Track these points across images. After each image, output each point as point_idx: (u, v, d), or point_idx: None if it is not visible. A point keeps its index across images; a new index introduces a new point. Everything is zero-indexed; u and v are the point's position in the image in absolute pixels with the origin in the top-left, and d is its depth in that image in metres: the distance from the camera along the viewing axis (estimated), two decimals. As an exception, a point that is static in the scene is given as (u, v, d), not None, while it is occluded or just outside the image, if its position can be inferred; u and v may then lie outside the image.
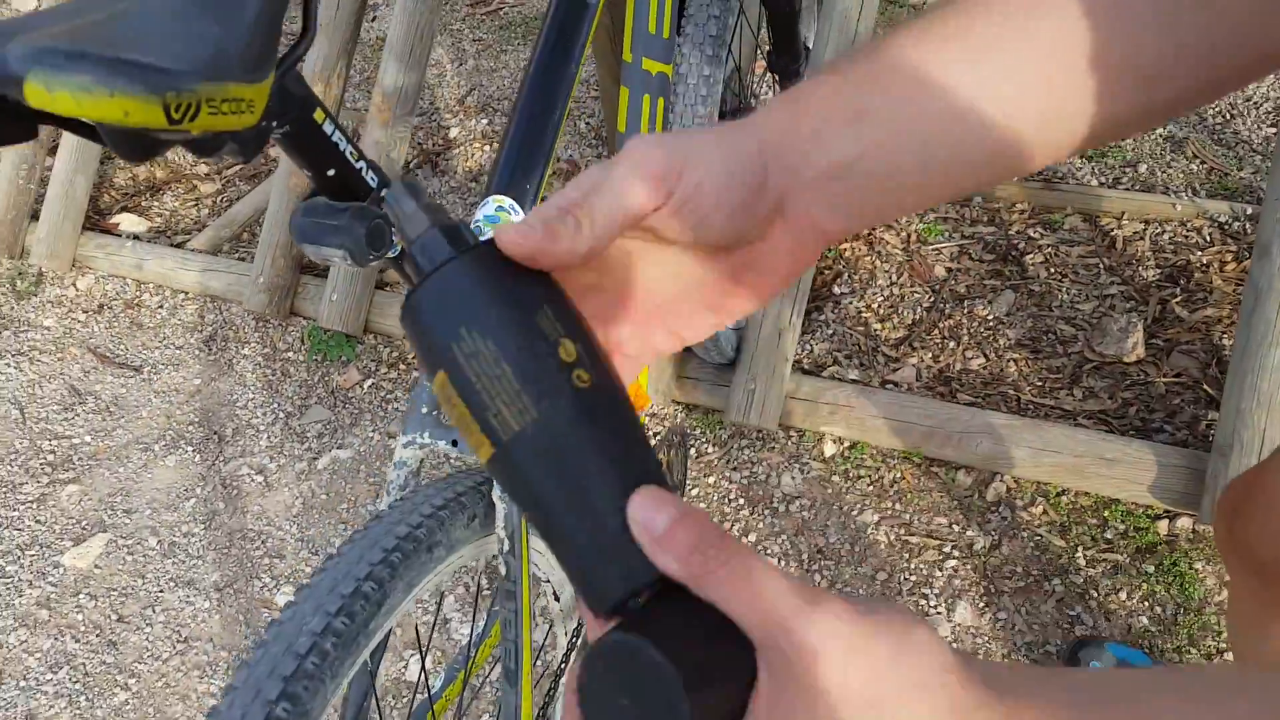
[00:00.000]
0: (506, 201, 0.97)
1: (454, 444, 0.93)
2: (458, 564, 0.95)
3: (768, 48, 1.50)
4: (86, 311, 2.30)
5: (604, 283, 0.41)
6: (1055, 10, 0.38)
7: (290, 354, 2.09)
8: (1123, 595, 1.48)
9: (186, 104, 0.57)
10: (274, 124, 0.69)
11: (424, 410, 0.94)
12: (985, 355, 1.75)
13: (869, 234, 1.94)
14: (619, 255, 0.41)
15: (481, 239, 0.37)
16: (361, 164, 0.77)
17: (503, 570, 0.95)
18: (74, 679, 1.68)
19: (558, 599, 1.17)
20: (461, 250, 0.36)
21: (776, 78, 1.53)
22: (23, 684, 1.68)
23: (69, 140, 2.32)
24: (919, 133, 0.39)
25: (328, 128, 0.73)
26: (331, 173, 0.74)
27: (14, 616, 1.78)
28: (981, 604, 1.51)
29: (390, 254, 0.79)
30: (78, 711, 1.63)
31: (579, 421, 0.35)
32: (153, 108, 0.55)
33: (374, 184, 0.78)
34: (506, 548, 0.94)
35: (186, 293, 2.26)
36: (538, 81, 1.01)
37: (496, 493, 0.93)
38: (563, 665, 1.17)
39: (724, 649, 0.33)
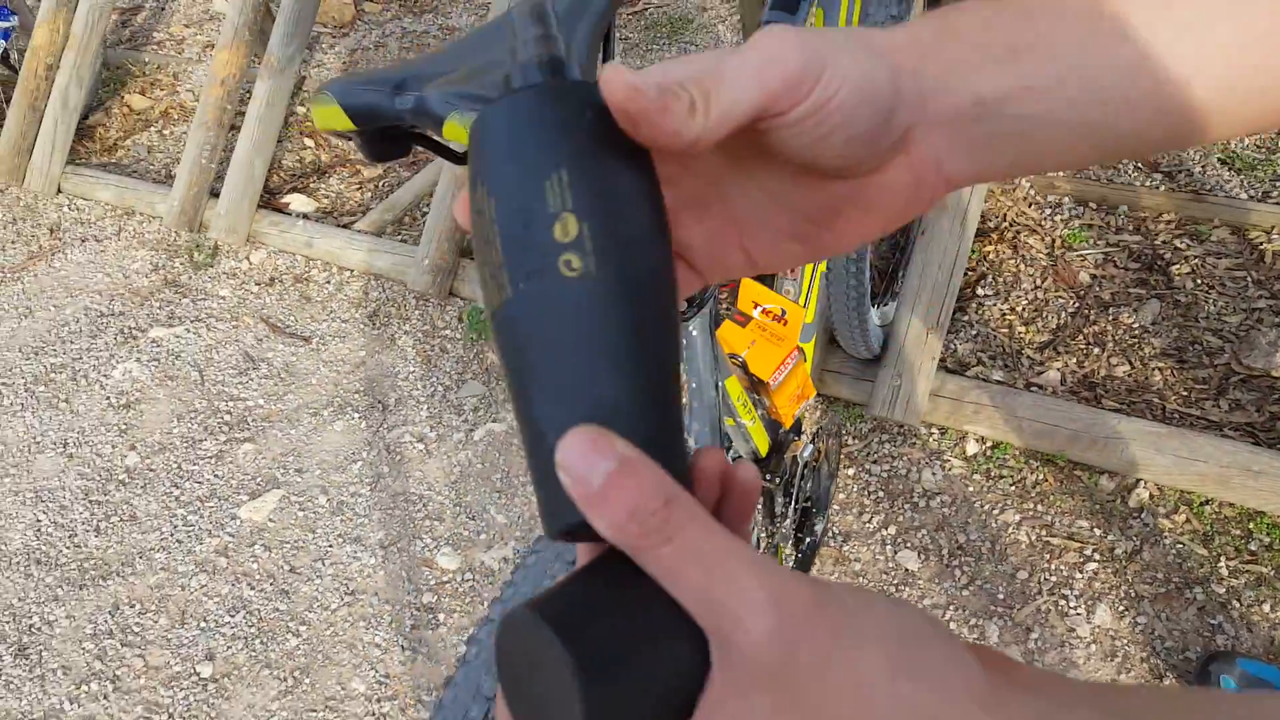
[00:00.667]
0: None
1: None
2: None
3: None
4: (259, 284, 2.48)
5: (685, 177, 0.36)
6: None
7: (448, 332, 2.23)
8: (1266, 607, 1.50)
9: None
10: None
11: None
12: (1130, 363, 1.77)
13: (1013, 236, 1.97)
14: (712, 151, 0.35)
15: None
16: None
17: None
18: (249, 623, 1.83)
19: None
20: (544, 84, 0.32)
21: None
22: (203, 625, 1.85)
23: (251, 124, 2.51)
24: (1082, 81, 0.35)
25: None
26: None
27: (194, 563, 1.95)
28: (1121, 608, 1.54)
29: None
30: (252, 653, 1.79)
31: (547, 317, 0.30)
32: None
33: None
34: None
35: (353, 270, 2.42)
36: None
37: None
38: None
39: (660, 635, 0.28)
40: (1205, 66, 0.34)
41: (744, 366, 1.20)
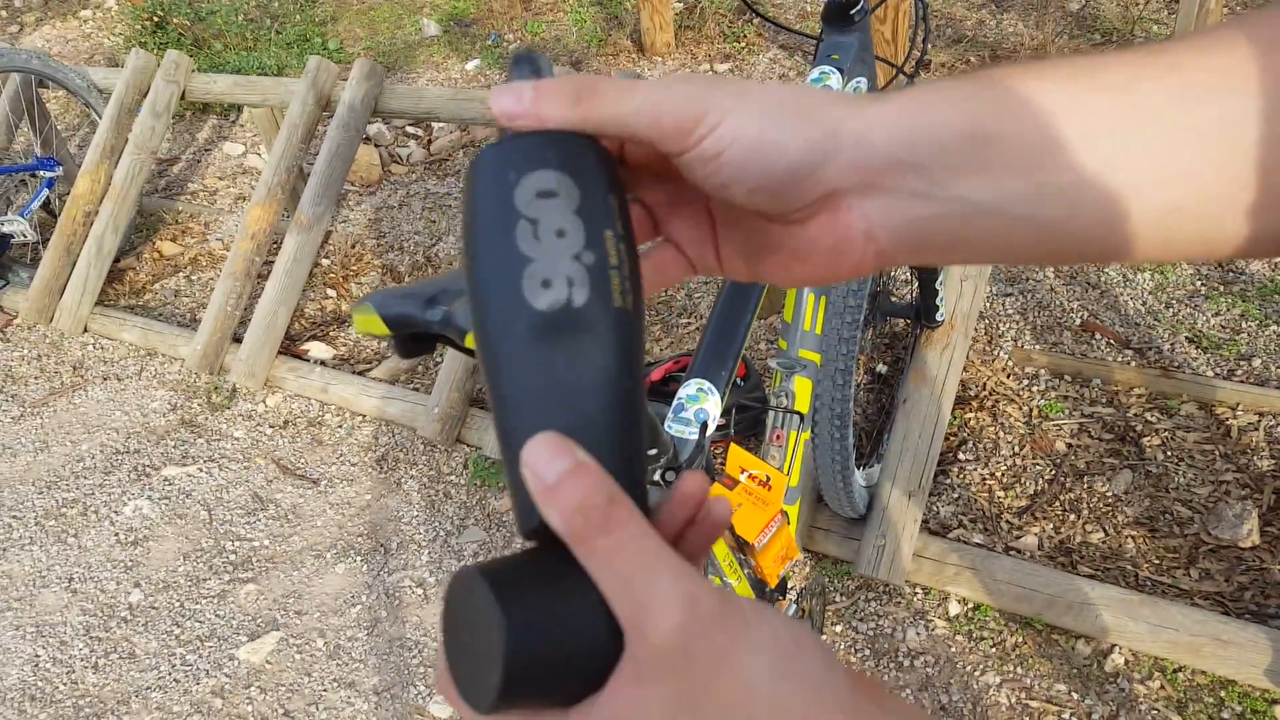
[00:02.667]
0: (705, 384, 1.17)
1: None
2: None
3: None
4: (273, 426, 2.58)
5: (680, 178, 0.39)
6: (1234, 98, 0.34)
7: (453, 478, 2.32)
8: (1243, 778, 1.53)
9: None
10: None
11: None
12: (1104, 530, 1.85)
13: (992, 405, 2.08)
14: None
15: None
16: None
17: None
18: (242, 765, 1.85)
19: None
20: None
21: (915, 275, 1.73)
22: (195, 765, 1.86)
23: (278, 276, 2.67)
24: (1038, 178, 0.35)
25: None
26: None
27: (190, 703, 1.97)
28: (1100, 774, 1.57)
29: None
30: (244, 795, 1.80)
31: (523, 342, 0.34)
32: None
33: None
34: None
35: (365, 415, 2.53)
36: (732, 288, 1.24)
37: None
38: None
39: (585, 618, 0.32)
40: (1163, 187, 0.35)
41: (731, 528, 1.28)
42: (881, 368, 1.89)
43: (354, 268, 3.05)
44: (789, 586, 1.47)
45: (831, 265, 0.39)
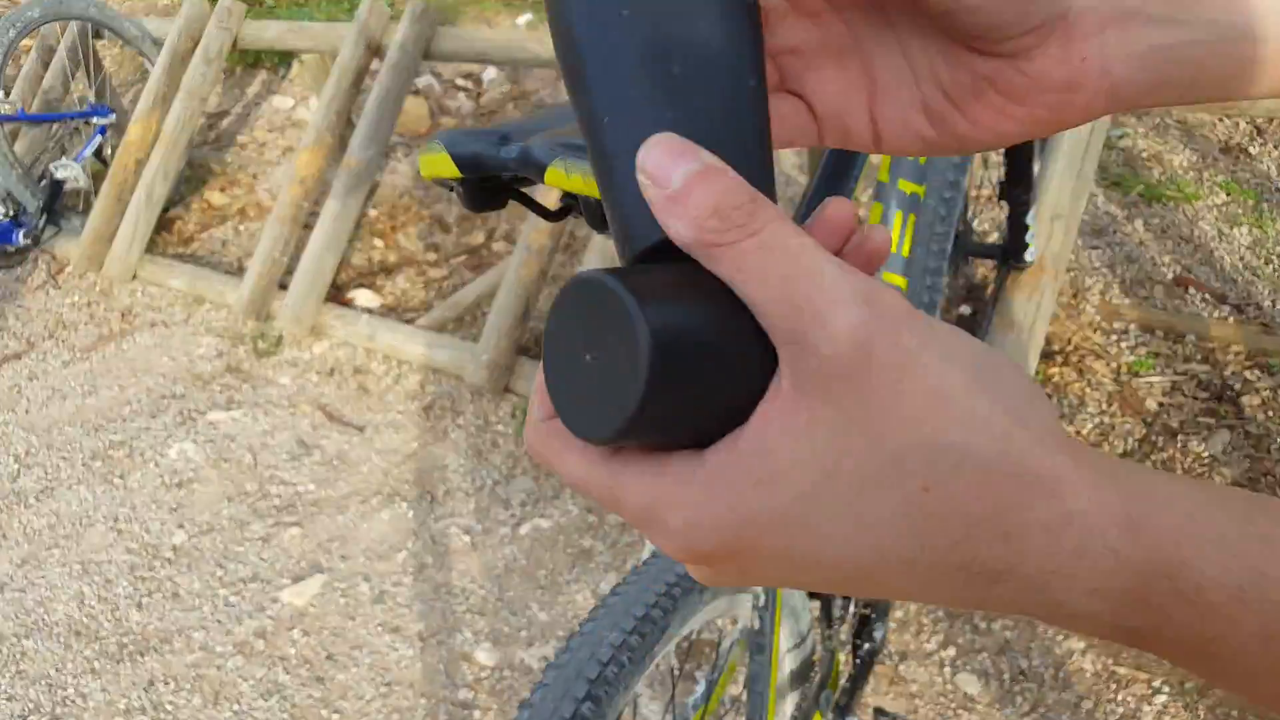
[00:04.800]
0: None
1: None
2: (712, 615, 1.02)
3: (1000, 178, 1.58)
4: (319, 373, 2.53)
5: (829, 20, 0.34)
6: None
7: (500, 427, 2.25)
8: (1356, 756, 1.40)
9: None
10: None
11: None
12: (1200, 491, 1.72)
13: (1079, 361, 1.96)
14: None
15: None
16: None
17: (755, 624, 1.01)
18: (282, 708, 1.79)
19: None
20: None
21: (1006, 205, 1.61)
22: (236, 707, 1.81)
23: (326, 220, 2.61)
24: None
25: None
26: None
27: (233, 644, 1.92)
28: (1194, 746, 1.45)
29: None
30: (283, 739, 1.74)
31: (625, 33, 0.29)
32: None
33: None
34: (761, 602, 1.00)
35: (411, 364, 2.46)
36: (827, 174, 1.13)
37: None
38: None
39: (731, 332, 0.26)
40: None
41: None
42: (965, 309, 1.77)
43: (401, 219, 2.98)
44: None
45: (1057, 109, 0.33)
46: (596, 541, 1.95)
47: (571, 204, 0.75)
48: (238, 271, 2.92)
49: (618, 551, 1.92)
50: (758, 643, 1.00)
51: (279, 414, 2.44)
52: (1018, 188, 1.57)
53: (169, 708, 1.82)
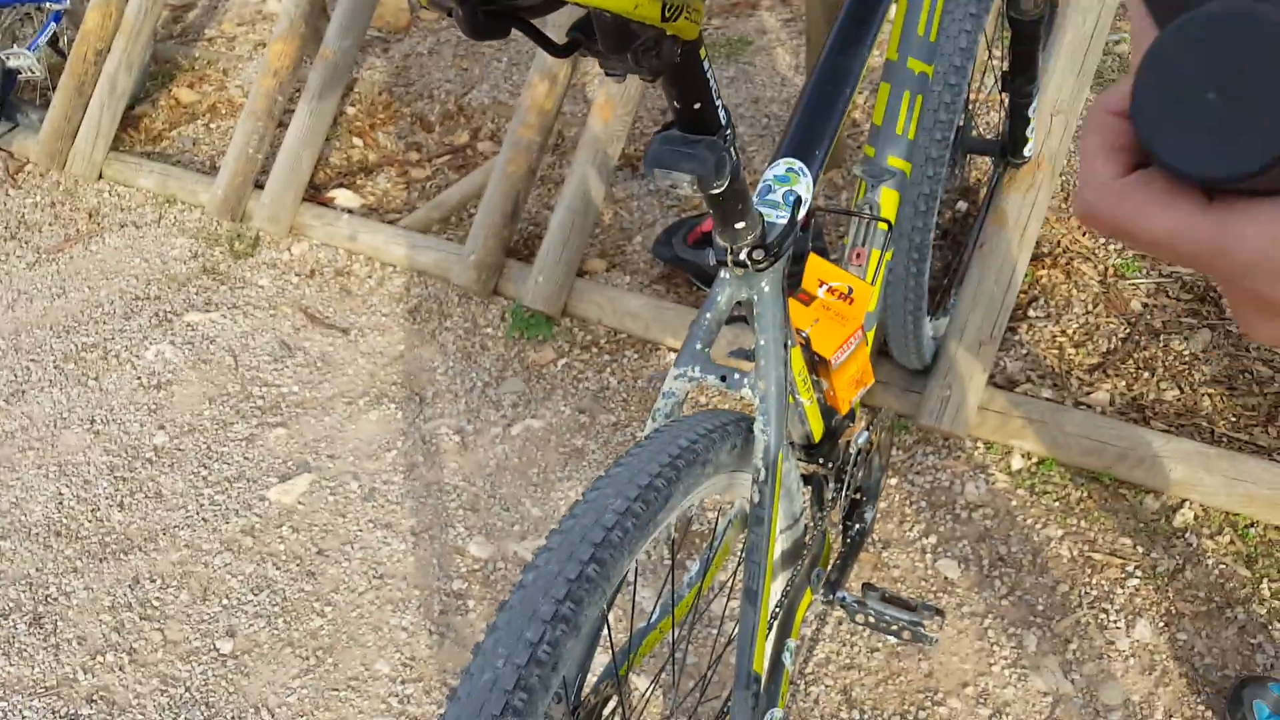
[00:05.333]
0: (796, 164, 1.06)
1: (722, 379, 1.02)
2: (714, 489, 1.03)
3: (1004, 68, 1.56)
4: (299, 275, 2.49)
5: None
6: None
7: (489, 330, 2.23)
8: (1313, 632, 1.47)
9: (679, 5, 0.68)
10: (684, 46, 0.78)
11: (697, 346, 1.03)
12: (1180, 388, 1.75)
13: (1066, 263, 1.97)
14: None
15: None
16: (719, 101, 0.86)
17: (755, 498, 1.02)
18: (273, 602, 1.81)
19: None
20: None
21: (1006, 98, 1.60)
22: (225, 602, 1.82)
23: (301, 115, 2.53)
24: None
25: (705, 64, 0.83)
26: (697, 106, 0.83)
27: (220, 541, 1.92)
28: (1161, 624, 1.51)
29: (720, 189, 0.88)
30: (275, 631, 1.76)
31: None
32: (656, 3, 0.66)
33: (724, 121, 0.87)
34: (762, 477, 1.01)
35: (395, 266, 2.43)
36: (832, 58, 1.11)
37: (759, 427, 1.01)
38: (770, 619, 1.23)
39: None
40: None
41: (807, 344, 1.19)
42: (962, 205, 1.77)
43: (381, 116, 2.91)
44: (856, 417, 1.39)
45: None
46: (589, 441, 1.96)
47: (580, 39, 0.72)
48: (210, 171, 2.84)
49: (610, 450, 1.93)
50: (757, 515, 1.02)
51: (259, 316, 2.41)
52: (1021, 78, 1.55)
53: (156, 604, 1.82)
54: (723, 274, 1.02)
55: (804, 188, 1.05)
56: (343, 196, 2.61)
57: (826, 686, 1.52)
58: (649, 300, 2.09)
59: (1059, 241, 2.01)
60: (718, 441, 0.97)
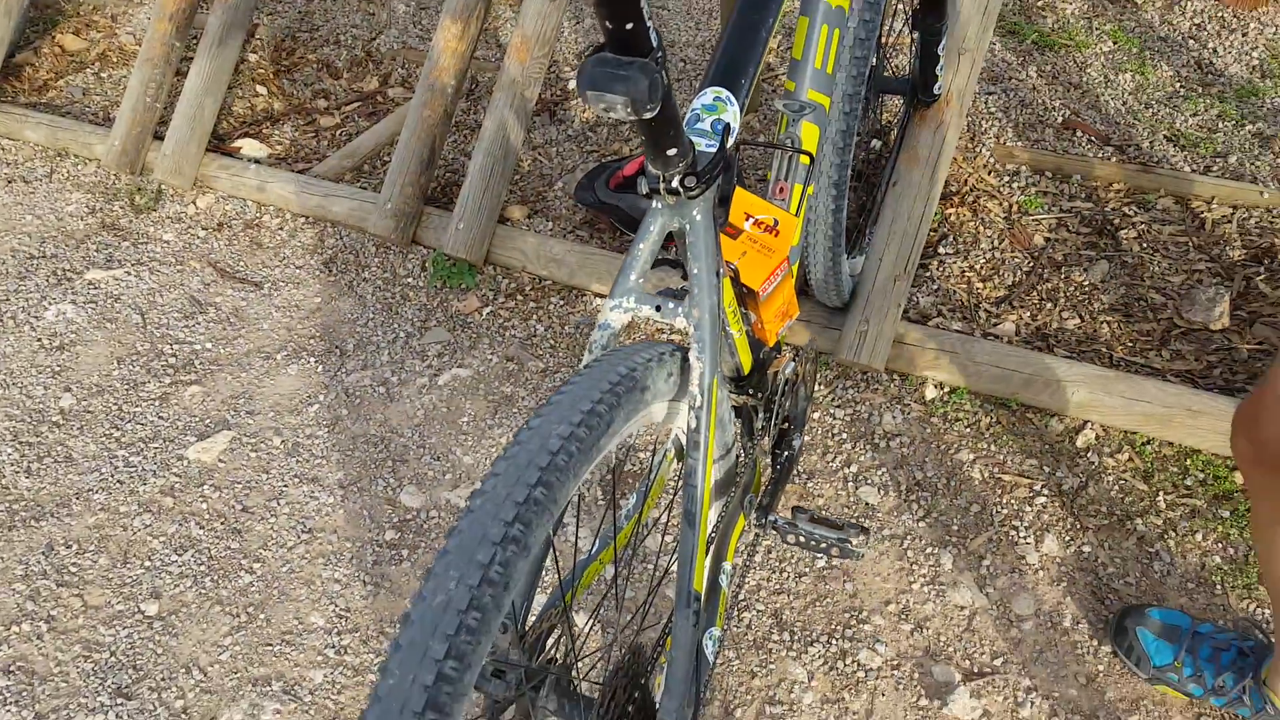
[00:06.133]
0: (724, 93, 1.07)
1: (657, 309, 1.04)
2: (652, 418, 1.05)
3: (914, 7, 1.60)
4: (206, 229, 2.40)
5: None
6: None
7: (410, 280, 2.20)
8: (1198, 536, 1.58)
9: None
10: None
11: (632, 277, 1.04)
12: (1080, 316, 1.85)
13: (973, 201, 2.04)
14: None
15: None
16: (650, 23, 0.86)
17: (692, 424, 1.05)
18: (199, 561, 1.77)
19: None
20: None
21: (916, 37, 1.64)
22: (148, 564, 1.78)
23: (201, 60, 2.43)
24: None
25: None
26: (629, 26, 0.83)
27: (138, 503, 1.87)
28: (1067, 538, 1.61)
29: (652, 113, 0.88)
30: (202, 590, 1.73)
31: None
32: None
33: (655, 43, 0.87)
34: (698, 403, 1.04)
35: (307, 216, 2.36)
36: (753, -7, 1.12)
37: (694, 354, 1.03)
38: (706, 545, 1.27)
39: None
40: None
41: (736, 276, 1.21)
42: (876, 143, 1.81)
43: (285, 63, 2.81)
44: (782, 349, 1.43)
45: None
46: (518, 388, 1.96)
47: None
48: (104, 122, 2.71)
49: (540, 396, 1.94)
50: (694, 440, 1.04)
51: (166, 272, 2.32)
52: (930, 17, 1.60)
53: (74, 570, 1.77)
54: (655, 203, 1.03)
55: (732, 116, 1.06)
56: (249, 146, 2.52)
57: (759, 611, 1.58)
58: (573, 246, 2.09)
59: (966, 180, 2.08)
60: (655, 369, 0.99)
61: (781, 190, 1.35)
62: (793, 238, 1.36)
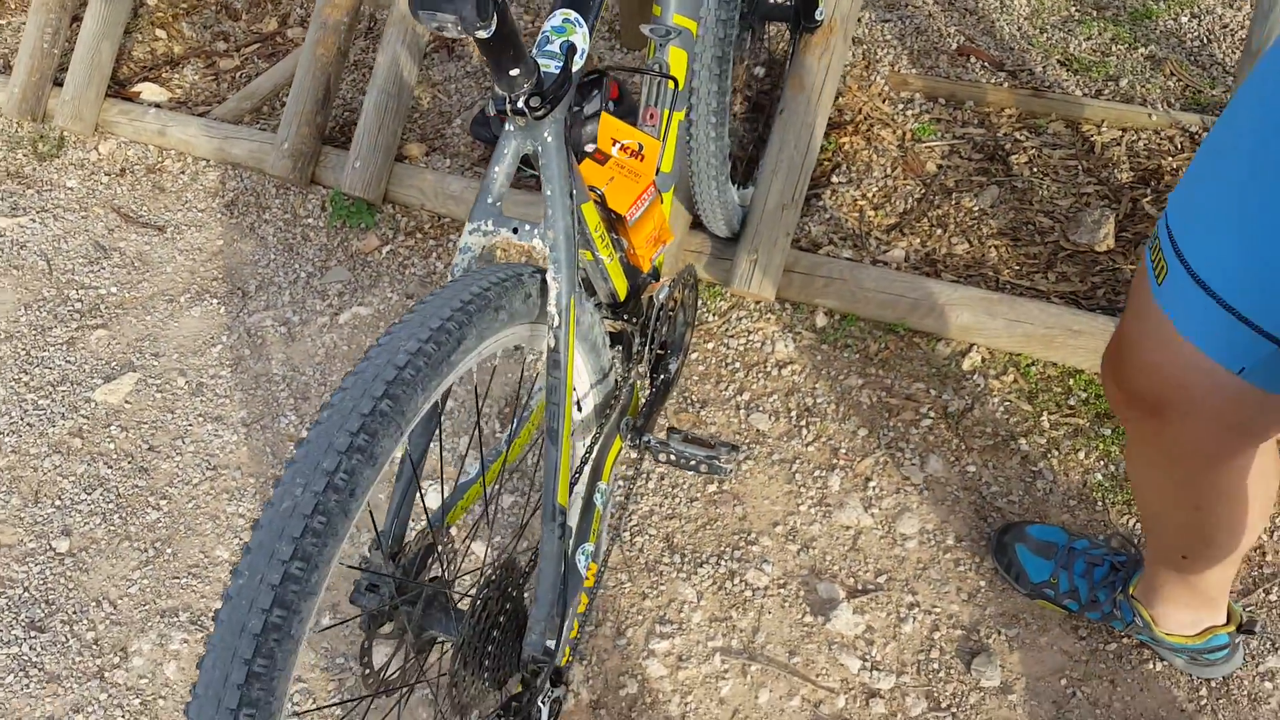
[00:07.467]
0: (572, 15, 1.08)
1: (514, 231, 1.06)
2: (513, 339, 1.08)
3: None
4: (109, 174, 2.37)
5: None
6: None
7: (310, 220, 2.19)
8: (1081, 455, 1.64)
9: None
10: None
11: (489, 200, 1.06)
12: (969, 242, 1.89)
13: (867, 129, 2.07)
14: None
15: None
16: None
17: (550, 343, 1.08)
18: (107, 499, 1.79)
19: (580, 409, 1.30)
20: None
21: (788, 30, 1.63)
22: (58, 503, 1.79)
23: (96, 6, 2.38)
24: None
25: None
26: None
27: (48, 445, 1.88)
28: (952, 459, 1.66)
29: (487, 33, 0.89)
30: (111, 527, 1.75)
31: None
32: None
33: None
34: (556, 323, 1.07)
35: (208, 160, 2.34)
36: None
37: (550, 275, 1.06)
38: (581, 465, 1.30)
39: None
40: None
41: (603, 201, 1.23)
42: (759, 70, 1.82)
43: (183, 6, 2.74)
44: (660, 276, 1.45)
45: None
46: (416, 322, 1.97)
47: None
48: (3, 70, 2.65)
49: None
50: (554, 359, 1.07)
51: (70, 218, 2.30)
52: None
53: (-15, 512, 1.78)
54: (507, 126, 1.04)
55: (580, 38, 1.08)
56: (149, 90, 2.48)
57: (650, 535, 1.63)
58: (471, 182, 2.09)
59: (860, 109, 2.10)
60: (511, 290, 1.01)
61: (651, 116, 1.36)
62: (662, 163, 1.38)
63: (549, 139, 1.03)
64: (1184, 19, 2.22)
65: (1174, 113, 1.99)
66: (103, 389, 1.94)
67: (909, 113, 2.09)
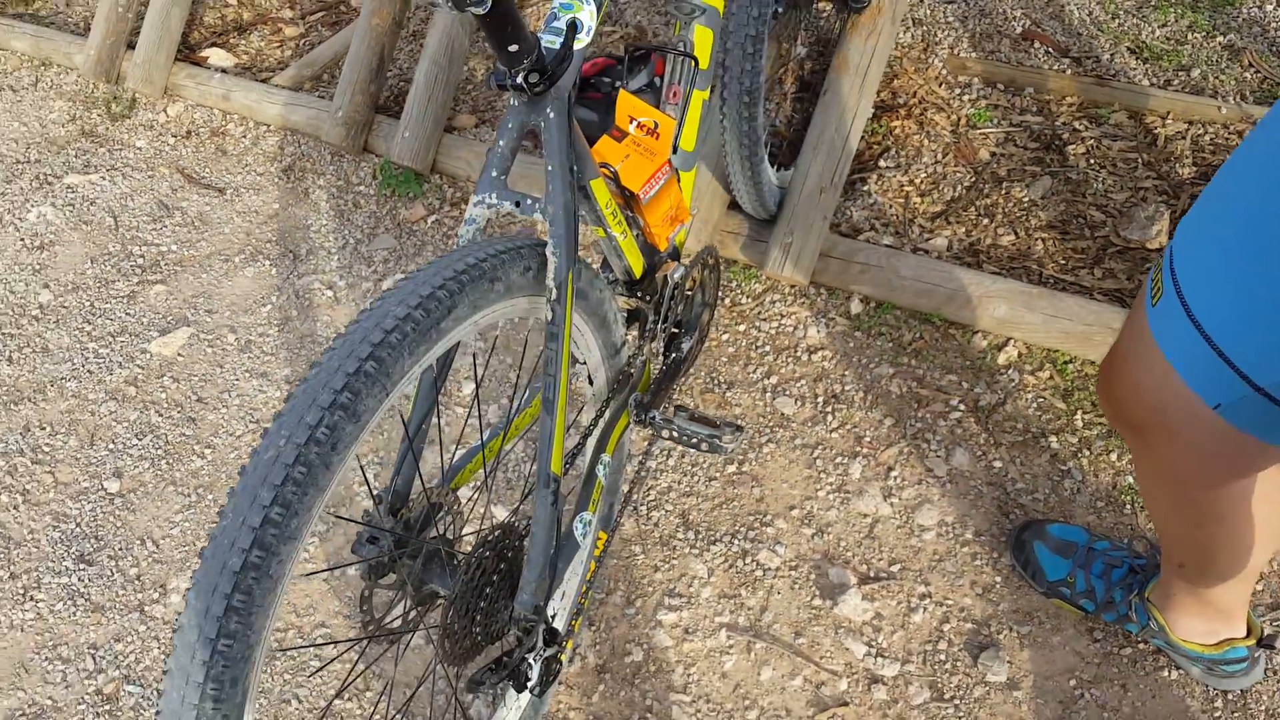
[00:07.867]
0: (580, -8, 1.08)
1: (516, 205, 1.07)
2: (513, 311, 1.09)
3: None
4: (175, 136, 2.46)
5: None
6: None
7: (362, 188, 2.24)
8: (1113, 456, 1.59)
9: None
10: None
11: (494, 174, 1.07)
12: (1016, 233, 1.84)
13: (920, 113, 2.02)
14: None
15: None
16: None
17: (548, 316, 1.09)
18: (156, 446, 1.87)
19: (591, 383, 1.31)
20: None
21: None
22: (111, 446, 1.88)
23: (171, -29, 2.46)
24: None
25: None
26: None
27: (105, 391, 1.97)
28: (979, 453, 1.63)
29: (483, 9, 0.90)
30: (158, 472, 1.83)
31: None
32: None
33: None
34: (554, 296, 1.08)
35: (269, 125, 2.41)
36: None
37: (549, 248, 1.06)
38: (589, 429, 1.31)
39: None
40: None
41: (617, 179, 1.24)
42: (801, 49, 1.79)
43: (261, -28, 2.82)
44: (679, 257, 1.45)
45: None
46: (454, 291, 2.01)
47: None
48: (84, 32, 2.76)
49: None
50: (552, 332, 1.08)
51: (137, 177, 2.39)
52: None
53: (46, 449, 1.89)
54: (512, 100, 1.05)
55: (587, 14, 1.08)
56: (216, 56, 2.56)
57: (666, 511, 1.63)
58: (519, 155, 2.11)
59: (915, 92, 2.05)
60: (509, 262, 1.03)
61: (674, 94, 1.36)
62: (682, 142, 1.37)
63: (551, 114, 1.04)
64: (1269, 6, 2.10)
65: (1246, 106, 1.89)
66: (158, 341, 2.03)
67: (965, 97, 2.03)
